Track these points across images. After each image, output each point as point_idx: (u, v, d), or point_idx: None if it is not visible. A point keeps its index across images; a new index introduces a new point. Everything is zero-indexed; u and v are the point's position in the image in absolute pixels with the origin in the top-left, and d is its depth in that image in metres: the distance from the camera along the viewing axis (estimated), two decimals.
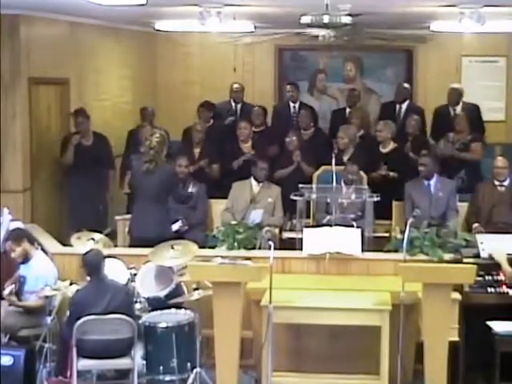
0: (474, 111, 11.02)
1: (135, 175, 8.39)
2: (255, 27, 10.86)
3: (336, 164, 8.56)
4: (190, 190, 9.31)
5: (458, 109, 10.97)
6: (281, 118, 11.33)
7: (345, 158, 9.66)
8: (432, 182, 9.13)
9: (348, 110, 11.36)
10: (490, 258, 7.31)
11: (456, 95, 11.08)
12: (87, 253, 6.96)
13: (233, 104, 11.50)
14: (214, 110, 11.12)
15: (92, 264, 6.85)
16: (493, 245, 7.38)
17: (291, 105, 11.32)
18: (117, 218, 9.39)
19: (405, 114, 11.05)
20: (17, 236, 7.44)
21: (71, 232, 8.50)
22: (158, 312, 7.12)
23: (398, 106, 11.25)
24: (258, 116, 10.86)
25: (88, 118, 9.95)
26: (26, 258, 7.37)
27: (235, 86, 11.50)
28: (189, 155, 9.77)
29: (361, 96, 11.92)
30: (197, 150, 10.15)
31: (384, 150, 9.98)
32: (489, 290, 7.17)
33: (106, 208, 10.11)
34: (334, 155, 8.79)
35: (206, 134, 10.40)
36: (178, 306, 7.18)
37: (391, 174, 9.62)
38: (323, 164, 9.56)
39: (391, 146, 9.98)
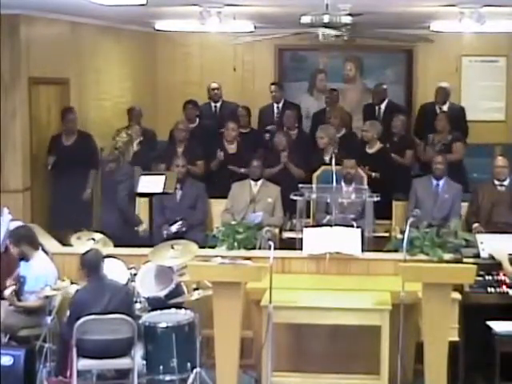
0: (458, 112, 11.06)
1: (103, 175, 8.45)
2: (255, 27, 10.86)
3: (319, 165, 8.55)
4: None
5: (445, 108, 10.98)
6: (265, 119, 11.38)
7: (326, 158, 9.68)
8: (440, 182, 9.14)
9: (327, 109, 11.39)
10: (491, 257, 7.31)
11: (443, 94, 11.10)
12: (86, 253, 6.96)
13: (212, 104, 11.53)
14: (199, 110, 11.15)
15: (91, 264, 6.85)
16: (493, 245, 7.38)
17: (275, 105, 11.36)
18: None
19: (384, 114, 11.09)
20: (15, 237, 7.44)
21: (55, 231, 8.54)
22: (158, 312, 7.12)
23: (376, 108, 11.29)
24: (242, 116, 10.89)
25: (76, 118, 9.90)
26: (24, 259, 7.38)
27: (213, 84, 11.54)
28: (172, 155, 9.76)
29: (360, 95, 11.93)
30: (180, 149, 10.11)
31: (370, 151, 10.01)
32: (489, 289, 7.17)
33: (89, 207, 10.03)
34: (333, 155, 8.79)
35: (191, 134, 10.42)
36: (178, 306, 7.18)
37: (373, 174, 9.62)
38: (310, 164, 9.57)
39: (377, 146, 10.01)
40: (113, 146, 8.28)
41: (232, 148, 10.25)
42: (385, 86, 11.48)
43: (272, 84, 11.61)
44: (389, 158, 9.99)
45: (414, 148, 10.34)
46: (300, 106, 11.69)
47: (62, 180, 9.77)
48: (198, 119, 11.09)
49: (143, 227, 8.61)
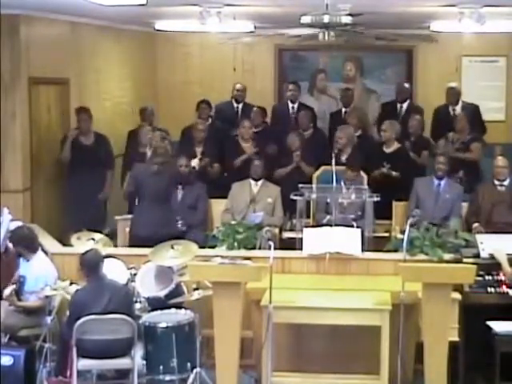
0: (474, 111, 11.01)
1: (140, 177, 8.44)
2: (255, 27, 10.86)
3: (336, 164, 8.56)
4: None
5: (458, 108, 10.97)
6: (279, 118, 11.33)
7: (343, 158, 9.66)
8: (442, 182, 9.15)
9: (344, 109, 11.37)
10: (491, 257, 7.31)
11: (454, 94, 11.09)
12: (85, 253, 6.95)
13: (234, 104, 11.51)
14: (212, 110, 11.14)
15: (91, 264, 6.85)
16: (493, 245, 7.38)
17: (290, 105, 11.31)
18: (117, 217, 9.39)
19: (405, 113, 11.06)
20: (13, 238, 7.46)
21: (69, 231, 8.54)
22: (158, 312, 7.12)
23: (398, 106, 11.26)
24: (256, 116, 10.87)
25: (91, 118, 9.94)
26: (24, 258, 7.39)
27: (238, 85, 11.49)
28: (189, 154, 9.77)
29: (360, 95, 11.93)
30: (199, 149, 10.14)
31: (388, 150, 9.96)
32: (489, 289, 7.17)
33: (104, 208, 10.09)
34: (333, 155, 8.79)
35: (207, 134, 10.42)
36: (178, 306, 7.18)
37: (394, 173, 9.62)
38: (322, 164, 9.57)
39: (395, 146, 9.97)
40: (154, 146, 8.33)
41: (248, 147, 10.24)
42: (407, 85, 11.45)
43: (290, 83, 11.52)
44: (406, 157, 9.96)
45: (429, 149, 10.30)
46: (314, 109, 11.61)
47: (80, 179, 9.76)
48: (210, 119, 11.06)
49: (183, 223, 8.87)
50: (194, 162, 9.76)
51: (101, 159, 9.91)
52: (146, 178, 8.41)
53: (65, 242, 8.33)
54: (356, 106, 11.54)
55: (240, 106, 11.49)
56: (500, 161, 9.02)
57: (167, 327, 6.89)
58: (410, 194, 9.24)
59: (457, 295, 6.86)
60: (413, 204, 9.09)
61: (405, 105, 11.23)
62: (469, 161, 9.95)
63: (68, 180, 9.96)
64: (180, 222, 9.11)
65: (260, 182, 9.50)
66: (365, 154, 9.84)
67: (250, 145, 10.25)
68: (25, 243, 7.41)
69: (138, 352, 6.86)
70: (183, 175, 9.23)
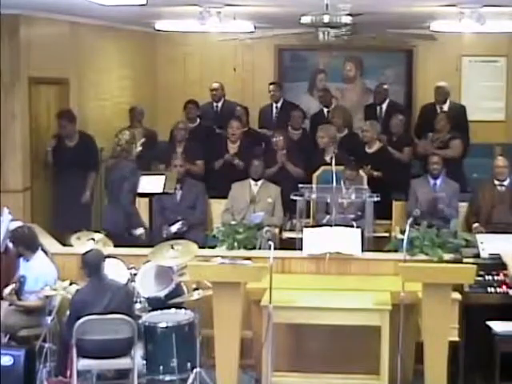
0: (459, 111, 11.05)
1: (106, 172, 8.52)
2: (255, 27, 10.86)
3: (320, 165, 8.56)
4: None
5: (445, 107, 10.99)
6: (264, 119, 11.41)
7: (327, 158, 9.68)
8: (438, 181, 9.19)
9: (325, 110, 11.40)
10: (492, 257, 7.31)
11: (442, 93, 11.10)
12: (87, 253, 6.95)
13: (213, 104, 11.55)
14: (199, 110, 11.17)
15: (92, 264, 6.85)
16: (496, 245, 7.38)
17: (273, 105, 11.38)
18: None
19: (386, 113, 11.11)
20: (13, 238, 7.46)
21: (58, 233, 8.54)
22: (158, 312, 7.12)
23: (378, 108, 11.31)
24: (241, 116, 10.89)
25: (73, 121, 9.82)
26: (22, 257, 7.40)
27: (213, 85, 11.57)
28: (173, 155, 9.76)
29: (360, 95, 11.92)
30: (179, 149, 10.12)
31: (370, 150, 10.05)
32: (489, 289, 7.16)
33: (88, 209, 9.98)
34: (333, 155, 8.80)
35: (192, 134, 10.45)
36: (178, 306, 7.18)
37: (375, 173, 9.66)
38: (310, 164, 9.58)
39: (377, 145, 10.04)
40: (115, 143, 8.30)
41: (234, 147, 10.25)
42: (386, 86, 11.50)
43: (271, 84, 11.64)
44: (388, 157, 10.02)
45: (411, 145, 10.36)
46: (299, 105, 11.69)
47: (63, 181, 9.75)
48: (198, 119, 11.10)
49: (141, 231, 8.45)
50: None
51: (84, 160, 9.80)
52: (108, 174, 8.48)
53: (65, 242, 8.33)
54: (340, 105, 11.55)
55: (219, 104, 11.55)
56: (500, 161, 9.03)
57: (167, 327, 6.89)
58: (409, 196, 9.28)
59: (457, 295, 6.86)
60: (412, 205, 9.12)
61: (384, 105, 11.29)
62: (450, 159, 9.91)
63: (53, 182, 9.94)
64: (179, 224, 9.12)
65: (260, 182, 9.51)
66: (349, 154, 9.86)
67: (236, 146, 10.25)
68: (25, 243, 7.41)
69: (138, 352, 6.86)
70: (180, 176, 9.23)
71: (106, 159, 9.41)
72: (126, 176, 8.32)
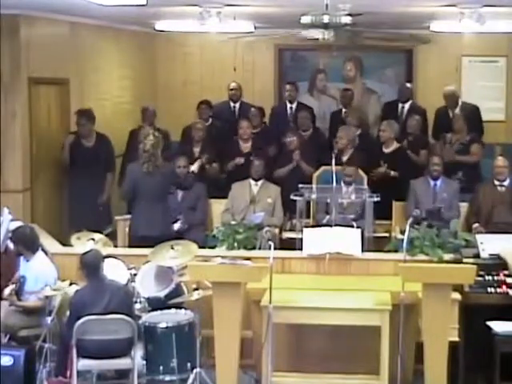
0: (473, 112, 11.02)
1: (134, 176, 8.40)
2: (255, 27, 10.86)
3: (336, 164, 8.56)
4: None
5: (457, 110, 10.97)
6: (278, 119, 11.36)
7: (344, 159, 9.67)
8: (438, 182, 9.18)
9: (343, 110, 11.38)
10: (492, 257, 7.31)
11: (452, 97, 11.08)
12: (85, 253, 6.95)
13: (231, 104, 11.52)
14: (212, 110, 11.15)
15: (91, 265, 6.84)
16: (496, 245, 7.38)
17: (288, 105, 11.34)
18: (117, 217, 9.40)
19: (407, 113, 11.07)
20: (13, 238, 7.46)
21: (71, 232, 8.52)
22: (158, 312, 7.12)
23: (400, 106, 11.27)
24: (255, 117, 10.88)
25: (92, 120, 9.89)
26: (24, 257, 7.39)
27: (232, 84, 11.51)
28: (188, 154, 9.78)
29: (360, 96, 11.92)
30: (197, 149, 10.15)
31: (386, 150, 9.99)
32: (489, 290, 7.16)
33: (108, 209, 10.04)
34: (333, 155, 8.80)
35: (206, 133, 10.42)
36: (178, 306, 7.18)
37: (392, 172, 9.63)
38: (322, 164, 9.57)
39: (394, 145, 10.00)
40: (141, 148, 8.31)
41: (247, 147, 10.24)
42: (409, 85, 11.47)
43: (287, 83, 11.56)
44: (405, 157, 9.97)
45: (428, 148, 10.31)
46: (313, 108, 11.62)
47: (81, 180, 9.74)
48: (210, 119, 11.07)
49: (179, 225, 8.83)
50: (194, 167, 9.73)
51: (101, 161, 9.88)
52: (140, 177, 8.38)
53: (65, 242, 8.33)
54: (355, 105, 11.55)
55: (237, 105, 11.50)
56: (500, 161, 9.04)
57: (167, 327, 6.89)
58: (408, 196, 9.26)
59: (457, 295, 6.86)
60: (411, 205, 9.11)
61: (406, 105, 11.24)
62: (469, 163, 9.95)
63: (69, 182, 9.95)
64: (180, 222, 9.12)
65: (260, 182, 9.51)
66: (365, 154, 9.85)
67: (249, 145, 10.26)
68: (25, 243, 7.40)
69: (138, 352, 6.86)
70: (181, 177, 9.23)
71: (125, 162, 9.46)
72: (169, 179, 8.51)
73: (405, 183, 9.42)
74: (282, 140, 10.25)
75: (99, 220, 9.52)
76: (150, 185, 8.30)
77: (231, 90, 11.47)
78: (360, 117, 10.97)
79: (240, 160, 10.07)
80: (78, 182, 9.77)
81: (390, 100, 11.77)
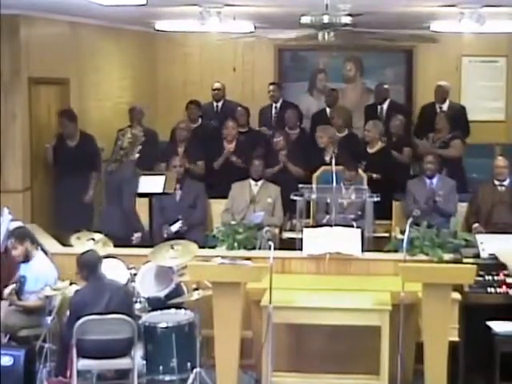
0: (458, 111, 11.07)
1: (106, 175, 8.47)
2: (255, 27, 10.86)
3: (320, 164, 8.55)
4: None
5: (445, 107, 11.01)
6: (264, 119, 11.43)
7: (326, 158, 9.68)
8: (434, 180, 9.18)
9: (328, 110, 11.39)
10: (492, 257, 7.31)
11: (442, 93, 11.12)
12: (83, 254, 6.95)
13: (214, 103, 11.56)
14: (201, 110, 11.19)
15: (89, 265, 6.85)
16: (493, 245, 7.39)
17: (273, 105, 11.40)
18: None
19: (386, 113, 11.12)
20: (19, 235, 7.44)
21: (59, 233, 8.54)
22: (158, 312, 7.12)
23: (379, 107, 11.32)
24: (241, 116, 10.89)
25: (74, 120, 9.83)
26: (26, 258, 7.38)
27: (216, 84, 11.62)
28: (174, 154, 9.76)
29: (360, 95, 11.91)
30: (181, 149, 10.14)
31: (371, 150, 10.04)
32: (489, 290, 7.16)
33: (90, 209, 9.95)
34: (333, 155, 8.80)
35: (193, 134, 10.46)
36: (178, 306, 7.18)
37: (374, 175, 9.64)
38: (310, 164, 9.58)
39: (378, 145, 10.04)
40: (118, 146, 8.29)
41: (231, 147, 10.26)
42: (386, 86, 11.51)
43: (270, 84, 11.64)
44: (389, 157, 10.01)
45: (411, 146, 10.37)
46: (298, 105, 11.69)
47: (65, 181, 9.73)
48: (200, 119, 11.11)
49: (138, 236, 8.42)
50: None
51: (86, 160, 9.79)
52: (106, 176, 8.43)
53: (65, 242, 8.33)
54: (340, 106, 11.55)
55: (219, 104, 11.58)
56: (500, 161, 9.04)
57: (167, 327, 6.89)
58: (406, 196, 9.26)
59: (457, 295, 6.86)
60: (409, 206, 9.10)
61: (385, 105, 11.31)
62: (451, 158, 9.97)
63: (54, 182, 9.93)
64: (180, 223, 9.12)
65: (260, 182, 9.51)
66: (348, 154, 9.86)
67: (233, 145, 10.26)
68: (30, 238, 7.41)
69: (138, 352, 6.86)
70: (179, 176, 9.24)
71: (107, 160, 9.41)
72: (127, 179, 8.32)
73: (389, 183, 9.46)
74: (270, 140, 10.30)
75: (83, 219, 9.35)
76: (110, 184, 8.39)
77: (214, 90, 11.57)
78: (345, 117, 10.97)
79: (222, 158, 10.07)
80: (64, 181, 9.76)
81: (370, 103, 11.81)
